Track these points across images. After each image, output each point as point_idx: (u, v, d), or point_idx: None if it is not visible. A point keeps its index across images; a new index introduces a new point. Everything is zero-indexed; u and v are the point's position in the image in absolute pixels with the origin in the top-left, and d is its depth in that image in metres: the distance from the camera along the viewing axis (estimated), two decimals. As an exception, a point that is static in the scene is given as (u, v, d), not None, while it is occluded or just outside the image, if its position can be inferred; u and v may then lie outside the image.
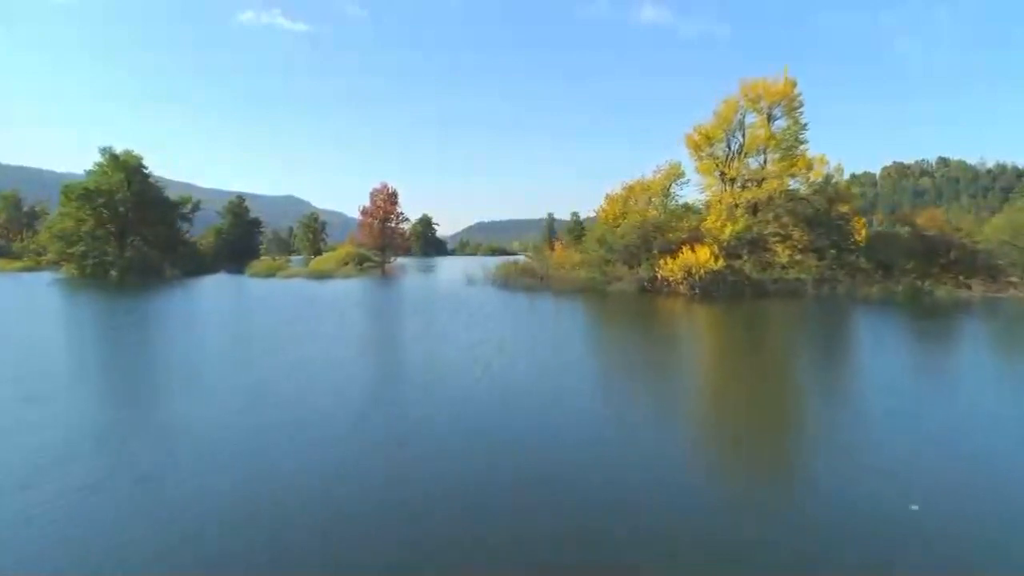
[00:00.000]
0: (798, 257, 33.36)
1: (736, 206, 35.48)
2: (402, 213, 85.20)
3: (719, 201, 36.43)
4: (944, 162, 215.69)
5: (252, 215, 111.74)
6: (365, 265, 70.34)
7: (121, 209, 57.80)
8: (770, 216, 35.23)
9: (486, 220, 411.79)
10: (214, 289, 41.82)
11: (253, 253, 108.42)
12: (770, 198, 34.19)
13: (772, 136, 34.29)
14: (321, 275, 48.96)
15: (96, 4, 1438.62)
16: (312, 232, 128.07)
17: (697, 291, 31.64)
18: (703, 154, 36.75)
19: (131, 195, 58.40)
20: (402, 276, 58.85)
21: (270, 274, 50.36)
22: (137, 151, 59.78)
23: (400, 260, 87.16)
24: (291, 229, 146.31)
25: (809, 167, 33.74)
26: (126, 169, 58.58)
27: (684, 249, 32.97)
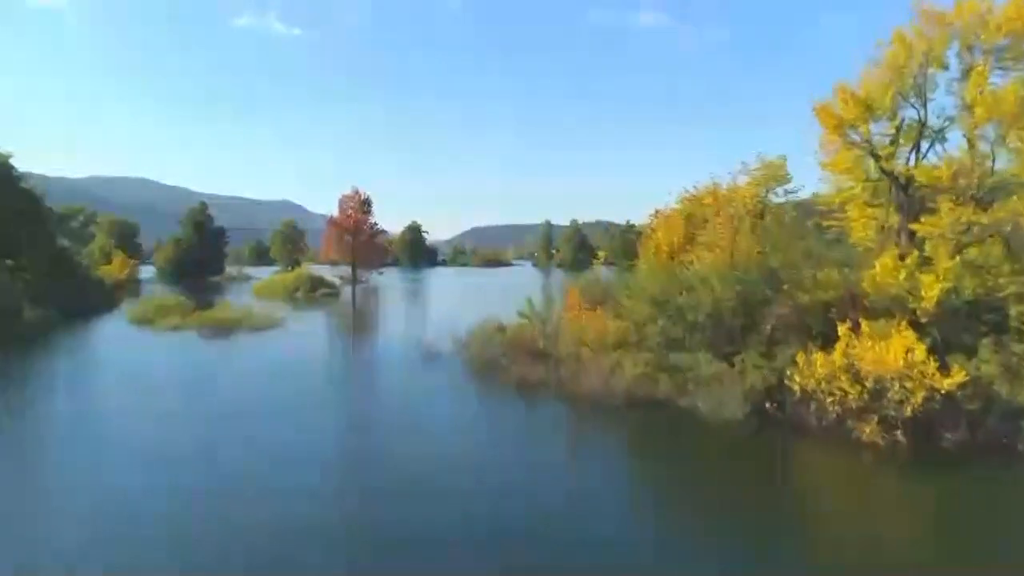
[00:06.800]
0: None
1: (925, 240, 17.21)
2: (376, 223, 67.63)
3: (883, 227, 18.19)
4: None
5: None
6: (320, 293, 52.09)
7: (-35, 224, 39.44)
8: (992, 261, 17.08)
9: (482, 225, 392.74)
10: (40, 358, 23.48)
11: (216, 265, 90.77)
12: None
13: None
14: (222, 326, 30.66)
15: (95, 5, 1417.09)
16: (290, 241, 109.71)
17: (901, 435, 13.36)
18: (853, 137, 18.37)
19: (-15, 205, 40.04)
20: (358, 314, 40.68)
21: (150, 321, 32.14)
22: (6, 148, 41.45)
23: (376, 278, 68.88)
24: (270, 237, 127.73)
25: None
26: (-20, 170, 40.25)
27: (845, 332, 14.81)
